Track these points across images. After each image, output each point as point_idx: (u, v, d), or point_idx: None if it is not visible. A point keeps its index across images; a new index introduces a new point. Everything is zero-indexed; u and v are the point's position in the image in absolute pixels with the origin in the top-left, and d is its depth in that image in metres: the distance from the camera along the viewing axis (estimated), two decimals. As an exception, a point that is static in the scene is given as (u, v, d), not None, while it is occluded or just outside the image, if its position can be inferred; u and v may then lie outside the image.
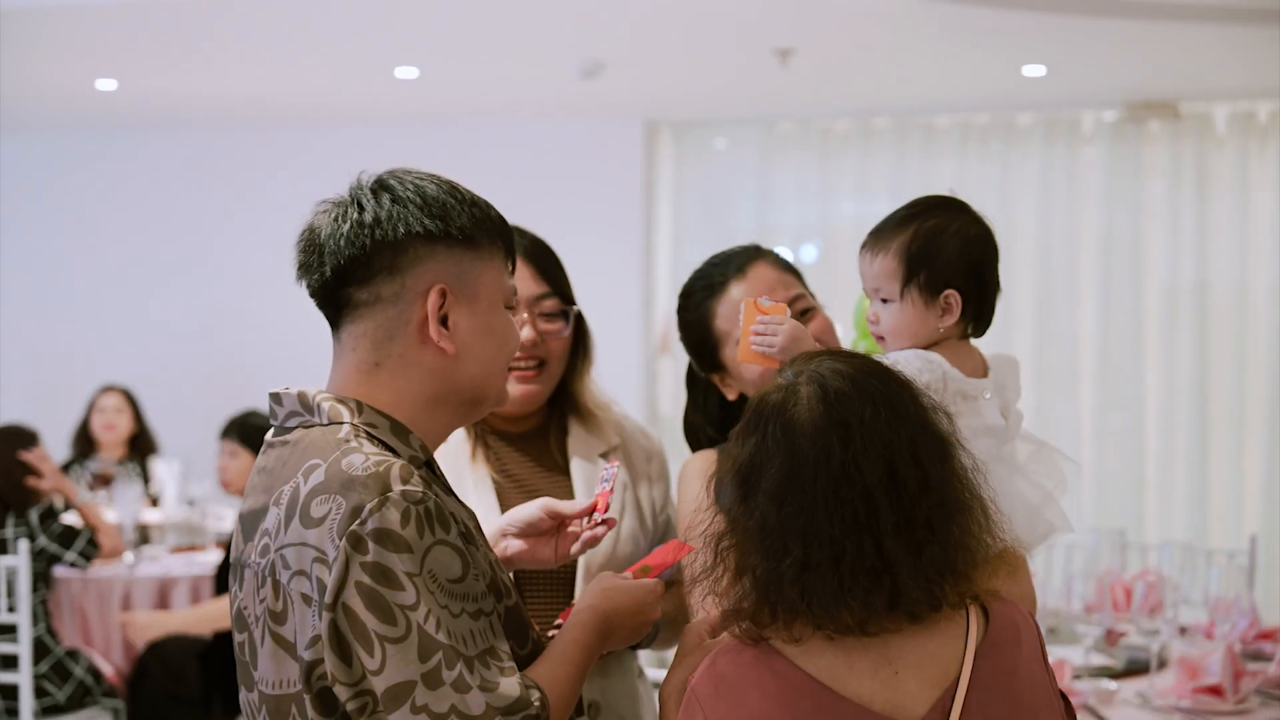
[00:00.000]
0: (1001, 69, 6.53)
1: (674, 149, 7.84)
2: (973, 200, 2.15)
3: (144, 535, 5.93)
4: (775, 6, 5.65)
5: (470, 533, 1.70)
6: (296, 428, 1.76)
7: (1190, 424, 7.00)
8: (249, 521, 1.75)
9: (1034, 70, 6.49)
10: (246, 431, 5.43)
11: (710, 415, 2.42)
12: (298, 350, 8.12)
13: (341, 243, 1.74)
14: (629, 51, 6.32)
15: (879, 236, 2.10)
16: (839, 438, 1.57)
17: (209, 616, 5.12)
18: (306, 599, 1.63)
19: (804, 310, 2.31)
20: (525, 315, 2.40)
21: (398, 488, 1.62)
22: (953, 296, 2.06)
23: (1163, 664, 3.67)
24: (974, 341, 2.17)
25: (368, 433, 1.71)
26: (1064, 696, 1.74)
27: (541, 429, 2.50)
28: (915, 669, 1.59)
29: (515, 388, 2.39)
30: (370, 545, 1.59)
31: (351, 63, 6.56)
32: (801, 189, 7.65)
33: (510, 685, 1.61)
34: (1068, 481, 2.14)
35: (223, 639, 5.01)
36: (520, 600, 1.78)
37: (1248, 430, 7.00)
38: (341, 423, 1.72)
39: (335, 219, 1.76)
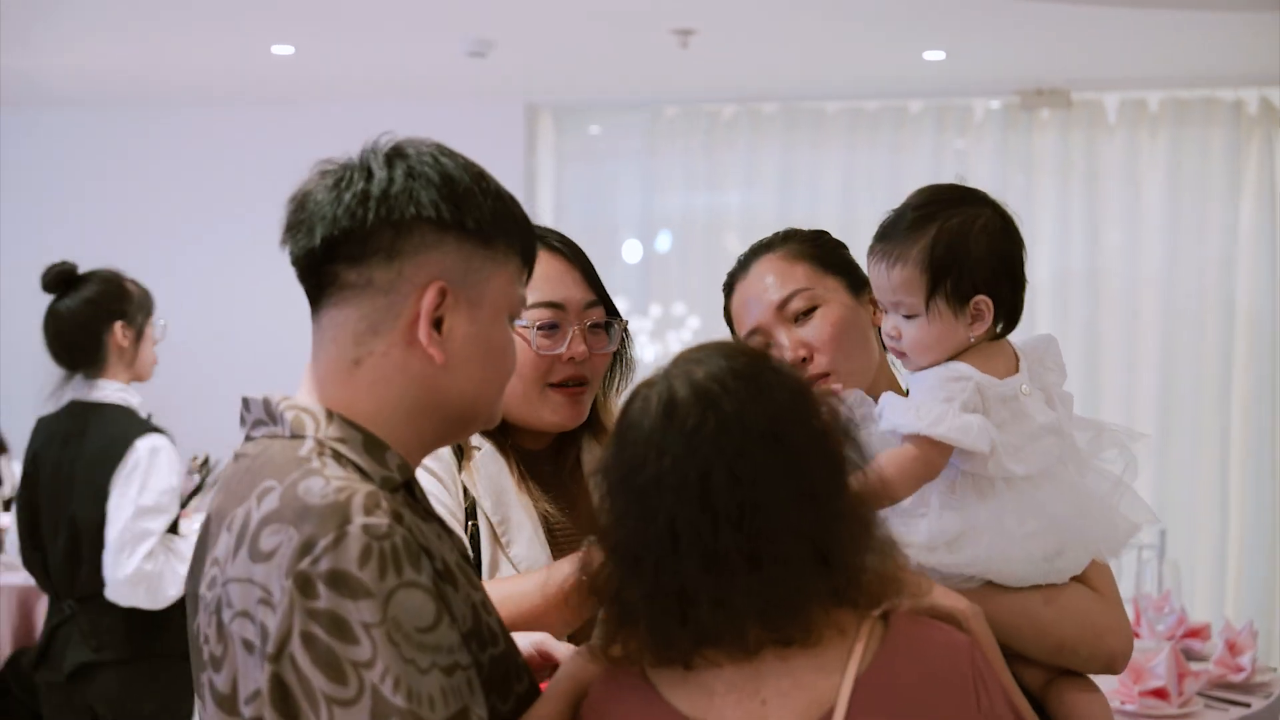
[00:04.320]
0: (902, 54, 6.45)
1: (555, 134, 7.63)
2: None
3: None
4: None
5: (450, 570, 1.47)
6: (261, 437, 1.53)
7: (1081, 412, 6.95)
8: (202, 540, 1.52)
9: (934, 55, 6.41)
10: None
11: None
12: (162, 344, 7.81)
13: (339, 211, 1.50)
14: (518, 32, 6.11)
15: (891, 241, 1.83)
16: (655, 448, 1.41)
17: None
18: (249, 646, 1.39)
19: (802, 311, 2.04)
20: (575, 327, 2.13)
21: (359, 520, 1.37)
22: (983, 303, 1.83)
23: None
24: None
25: (334, 450, 1.47)
26: None
27: (556, 445, 2.24)
28: (782, 699, 1.43)
29: (562, 411, 2.14)
30: (321, 589, 1.34)
31: (227, 39, 6.28)
32: (688, 176, 7.48)
33: None
34: (1137, 463, 1.95)
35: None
36: (511, 646, 1.56)
37: (1138, 418, 7.00)
38: (304, 436, 1.48)
39: (337, 183, 1.52)
